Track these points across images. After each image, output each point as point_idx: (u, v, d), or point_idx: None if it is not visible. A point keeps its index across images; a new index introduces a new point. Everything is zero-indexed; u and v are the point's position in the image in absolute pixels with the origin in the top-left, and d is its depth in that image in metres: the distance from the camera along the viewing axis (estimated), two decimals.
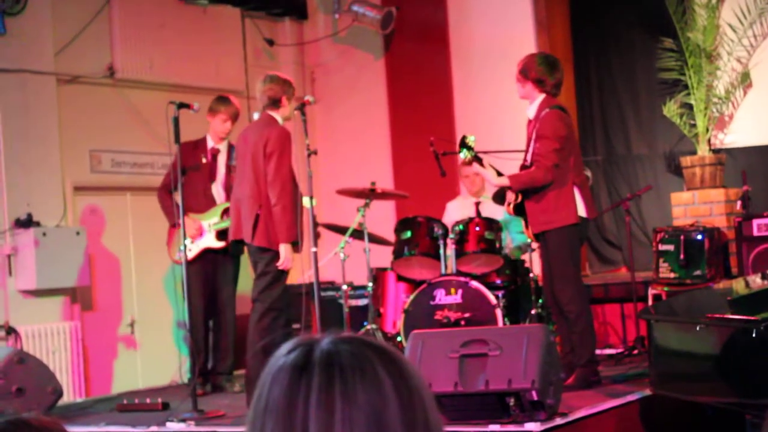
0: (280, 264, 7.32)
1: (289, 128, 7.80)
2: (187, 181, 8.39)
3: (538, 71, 7.20)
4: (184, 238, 7.47)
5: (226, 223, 8.27)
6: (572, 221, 7.05)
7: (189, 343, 7.58)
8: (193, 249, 8.48)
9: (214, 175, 8.65)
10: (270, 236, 7.36)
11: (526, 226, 7.29)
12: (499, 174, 7.26)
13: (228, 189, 8.55)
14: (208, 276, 8.61)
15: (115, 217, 10.01)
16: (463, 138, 7.29)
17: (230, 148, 8.62)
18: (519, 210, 7.26)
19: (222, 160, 8.68)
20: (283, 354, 1.43)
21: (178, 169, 7.52)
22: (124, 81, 10.07)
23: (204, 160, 8.64)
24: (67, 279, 9.20)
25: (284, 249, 7.31)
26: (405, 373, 1.41)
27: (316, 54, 12.04)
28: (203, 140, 8.71)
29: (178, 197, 7.81)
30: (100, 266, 9.82)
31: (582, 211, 7.11)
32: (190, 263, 8.27)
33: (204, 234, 8.52)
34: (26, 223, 9.03)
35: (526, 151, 7.24)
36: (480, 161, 7.27)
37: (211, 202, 8.59)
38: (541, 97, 7.21)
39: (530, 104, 7.28)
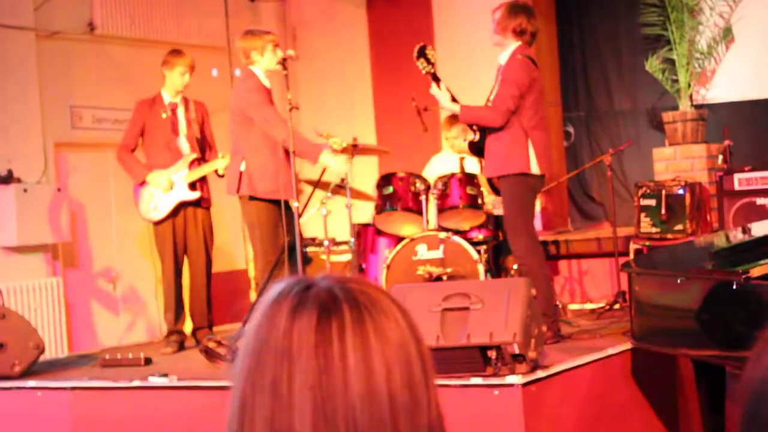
0: None
1: (271, 82, 7.82)
2: (149, 138, 8.47)
3: (517, 22, 7.15)
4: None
5: (195, 174, 8.40)
6: (520, 171, 7.00)
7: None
8: (168, 203, 8.40)
9: (176, 128, 8.52)
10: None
11: (481, 168, 7.30)
12: (454, 101, 7.21)
13: (192, 141, 8.52)
14: (179, 230, 8.53)
15: (96, 173, 9.97)
16: (422, 47, 7.22)
17: (186, 101, 8.58)
18: (474, 148, 7.24)
19: (182, 113, 8.56)
20: (284, 295, 1.40)
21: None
22: (104, 37, 10.00)
23: (164, 116, 8.51)
24: (49, 235, 9.17)
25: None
26: (406, 311, 1.46)
27: (298, 10, 11.98)
28: (159, 96, 8.58)
29: (140, 155, 8.33)
30: (82, 223, 9.79)
31: (534, 166, 7.05)
32: (163, 220, 8.32)
33: (175, 187, 8.43)
34: (7, 179, 8.99)
35: (490, 94, 7.21)
36: (437, 80, 7.20)
37: (176, 156, 8.47)
38: (516, 44, 7.17)
39: (503, 50, 7.25)
